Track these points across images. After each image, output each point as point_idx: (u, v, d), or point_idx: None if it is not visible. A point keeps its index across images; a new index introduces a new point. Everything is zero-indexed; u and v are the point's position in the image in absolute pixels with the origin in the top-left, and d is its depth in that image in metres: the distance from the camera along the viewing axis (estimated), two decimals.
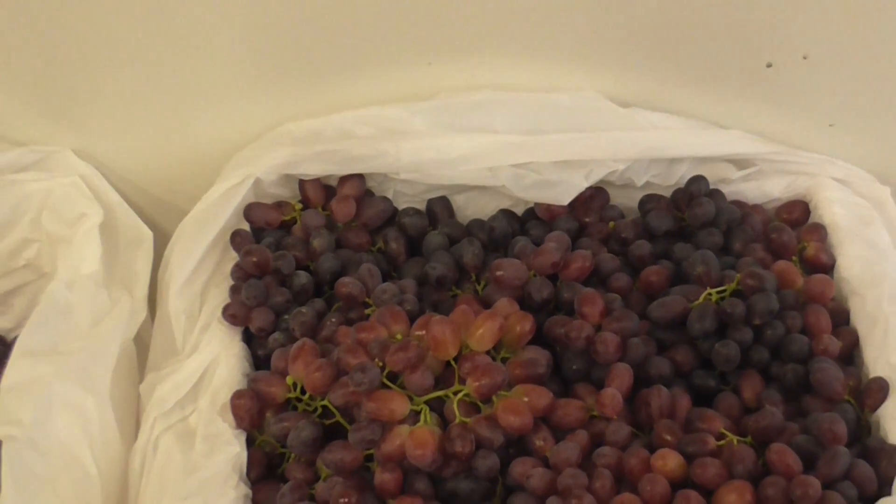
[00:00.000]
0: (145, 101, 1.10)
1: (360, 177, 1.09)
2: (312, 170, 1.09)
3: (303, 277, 1.04)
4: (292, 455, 0.94)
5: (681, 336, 0.99)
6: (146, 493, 0.92)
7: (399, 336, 0.94)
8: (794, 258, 1.04)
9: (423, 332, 0.93)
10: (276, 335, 1.01)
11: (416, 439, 0.89)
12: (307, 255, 1.06)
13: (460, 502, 0.91)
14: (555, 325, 0.99)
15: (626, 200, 1.11)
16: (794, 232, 1.06)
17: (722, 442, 0.91)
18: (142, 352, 1.06)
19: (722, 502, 0.87)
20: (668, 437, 0.92)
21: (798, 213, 1.09)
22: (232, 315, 1.02)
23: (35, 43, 1.06)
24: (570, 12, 1.04)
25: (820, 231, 1.06)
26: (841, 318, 1.01)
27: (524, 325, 0.96)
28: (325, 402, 0.94)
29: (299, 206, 1.10)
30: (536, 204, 1.09)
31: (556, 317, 1.00)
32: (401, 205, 1.11)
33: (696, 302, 0.99)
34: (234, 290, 1.04)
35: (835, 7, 1.02)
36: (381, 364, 0.92)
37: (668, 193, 1.10)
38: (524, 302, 1.00)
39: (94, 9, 1.03)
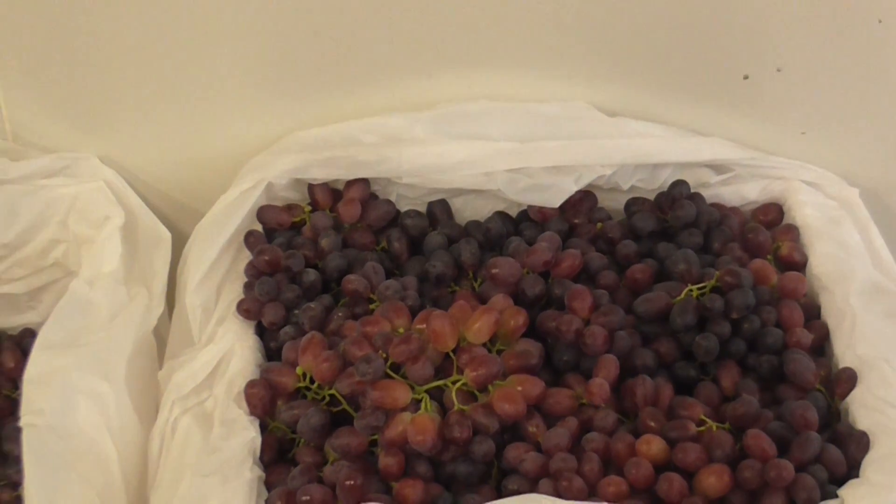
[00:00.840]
0: (165, 111, 1.10)
1: (365, 181, 1.09)
2: (321, 175, 1.09)
3: (312, 275, 1.04)
4: (302, 440, 0.94)
5: (664, 329, 0.99)
6: (165, 468, 0.92)
7: (401, 329, 0.95)
8: (768, 257, 1.04)
9: (424, 325, 0.94)
10: (287, 328, 1.01)
11: (418, 426, 0.89)
12: (316, 254, 1.06)
13: (458, 484, 0.91)
14: (546, 319, 0.99)
15: (613, 203, 1.11)
16: (768, 232, 1.06)
17: (702, 428, 0.92)
18: (160, 345, 1.06)
19: (702, 484, 0.88)
20: (652, 424, 0.92)
21: (773, 215, 1.09)
22: (246, 310, 1.02)
23: (64, 60, 1.07)
24: (560, 29, 1.05)
25: (793, 231, 1.06)
26: (812, 313, 1.01)
27: (518, 319, 0.96)
28: (332, 391, 0.94)
29: (308, 208, 1.10)
30: (529, 206, 1.09)
31: (548, 311, 1.00)
32: (403, 207, 1.11)
33: (678, 298, 0.99)
34: (248, 287, 1.04)
35: (806, 24, 1.02)
36: (384, 355, 0.92)
37: (652, 197, 1.10)
38: (518, 298, 1.00)
39: (119, 28, 1.04)
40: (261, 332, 1.03)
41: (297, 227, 1.09)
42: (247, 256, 1.06)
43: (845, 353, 0.96)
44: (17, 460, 0.99)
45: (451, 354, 0.93)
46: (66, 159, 1.11)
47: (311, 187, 1.10)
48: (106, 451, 0.93)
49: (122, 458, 0.94)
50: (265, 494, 0.91)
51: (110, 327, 1.00)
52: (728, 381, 0.97)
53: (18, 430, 0.99)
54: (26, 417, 0.92)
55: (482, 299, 1.01)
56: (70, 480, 0.90)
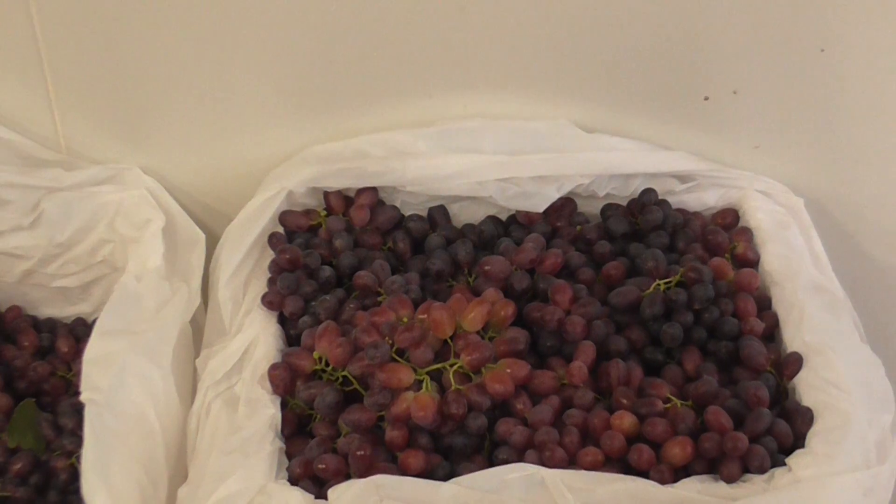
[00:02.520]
0: (200, 128, 1.11)
1: (373, 189, 1.10)
2: (335, 183, 1.09)
3: (327, 271, 1.04)
4: (318, 416, 0.95)
5: (635, 319, 1.00)
6: (201, 447, 0.92)
7: (405, 319, 0.95)
8: (726, 255, 1.04)
9: (425, 315, 0.94)
10: (305, 318, 1.01)
11: (420, 403, 0.90)
12: (330, 253, 1.06)
13: (455, 455, 0.92)
14: (532, 310, 0.99)
15: (591, 208, 1.11)
16: (726, 234, 1.06)
17: (668, 405, 0.92)
18: (196, 332, 1.06)
19: (668, 454, 0.88)
20: (625, 401, 0.92)
21: (730, 219, 1.09)
22: (269, 302, 1.02)
23: (111, 85, 1.08)
24: (545, 57, 1.05)
25: (747, 233, 1.07)
26: (764, 304, 1.01)
27: (507, 310, 0.97)
28: (345, 373, 0.95)
29: (324, 213, 1.10)
30: (517, 211, 1.09)
31: (534, 303, 1.00)
32: (407, 212, 1.11)
33: (648, 291, 0.99)
34: (271, 282, 1.04)
35: (759, 52, 1.03)
36: (390, 342, 0.93)
37: (624, 203, 1.10)
38: (507, 291, 1.00)
39: (159, 58, 1.05)
40: (282, 321, 1.03)
41: (314, 230, 1.10)
42: (270, 255, 1.07)
43: (793, 339, 0.96)
44: (71, 432, 1.00)
45: (449, 341, 0.94)
46: (113, 170, 1.11)
47: (326, 194, 1.10)
48: (152, 426, 0.93)
49: (164, 434, 0.94)
50: (286, 463, 0.92)
51: (157, 318, 1.00)
52: (691, 364, 0.97)
53: (73, 406, 1.00)
54: (86, 393, 0.92)
55: (476, 293, 1.01)
56: (121, 450, 0.90)
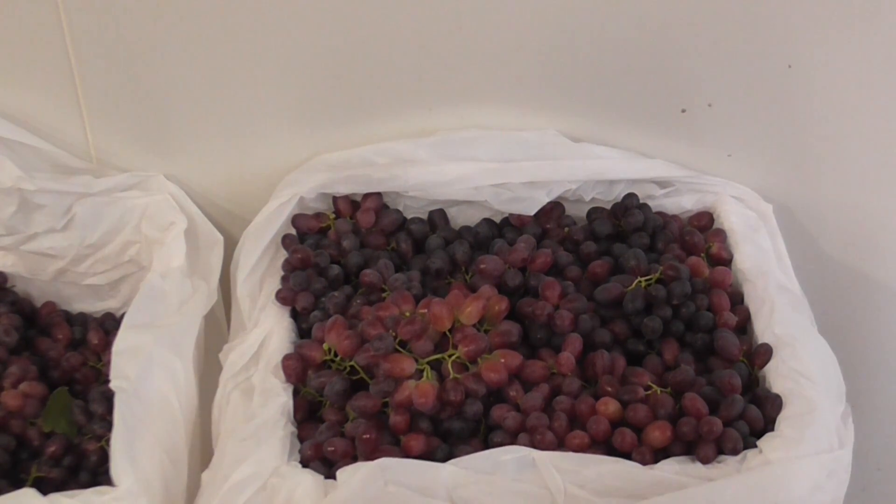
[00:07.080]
0: (219, 139, 1.10)
1: (378, 194, 1.09)
2: (343, 189, 1.09)
3: (335, 269, 1.04)
4: (328, 402, 0.95)
5: (618, 313, 0.99)
6: (223, 435, 0.92)
7: (407, 313, 0.95)
8: (702, 255, 1.04)
9: (426, 310, 0.94)
10: (316, 313, 1.01)
11: (420, 391, 0.90)
12: (339, 252, 1.06)
13: (453, 438, 0.92)
14: (524, 305, 0.99)
15: (578, 212, 1.11)
16: (702, 235, 1.06)
17: (649, 392, 0.92)
18: (213, 325, 1.06)
19: (649, 437, 0.88)
20: (609, 389, 0.92)
21: (705, 221, 1.09)
22: (282, 298, 1.02)
23: (138, 99, 1.07)
24: (535, 72, 1.05)
25: (721, 234, 1.06)
26: (737, 300, 1.01)
27: (501, 305, 0.97)
28: (352, 363, 0.94)
29: (333, 216, 1.10)
30: (510, 214, 1.09)
31: (526, 299, 1.00)
32: (409, 215, 1.11)
33: (630, 287, 0.99)
34: (284, 279, 1.04)
35: (731, 68, 1.03)
36: (394, 334, 0.92)
37: (608, 206, 1.10)
38: (501, 288, 1.00)
39: (182, 75, 1.05)
40: (294, 315, 1.03)
41: (323, 232, 1.09)
42: (284, 255, 1.07)
43: (764, 332, 0.96)
44: (101, 418, 1.00)
45: (448, 333, 0.94)
46: (139, 177, 1.11)
47: (335, 199, 1.10)
48: (174, 412, 0.93)
49: (185, 420, 0.94)
50: (298, 446, 0.92)
51: (179, 312, 1.00)
52: (669, 354, 0.97)
53: (103, 394, 0.99)
54: (115, 382, 0.92)
55: (472, 289, 1.01)
56: (146, 434, 0.90)
